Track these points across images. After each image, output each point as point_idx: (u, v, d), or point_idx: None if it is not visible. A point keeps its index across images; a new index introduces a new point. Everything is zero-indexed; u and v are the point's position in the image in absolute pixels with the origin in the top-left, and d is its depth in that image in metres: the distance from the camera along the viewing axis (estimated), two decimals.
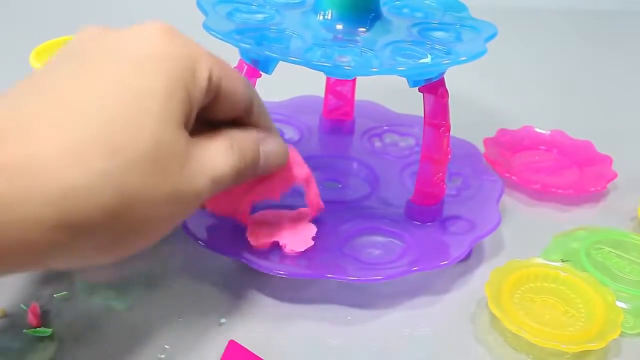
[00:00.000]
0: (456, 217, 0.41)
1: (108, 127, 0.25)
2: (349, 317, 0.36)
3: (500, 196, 0.43)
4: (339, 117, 0.50)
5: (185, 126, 0.28)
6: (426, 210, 0.41)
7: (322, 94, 0.50)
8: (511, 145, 0.52)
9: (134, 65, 0.27)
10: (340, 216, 0.42)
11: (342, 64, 0.34)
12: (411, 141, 0.50)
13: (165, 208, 0.27)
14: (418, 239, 0.40)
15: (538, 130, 0.53)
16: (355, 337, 0.35)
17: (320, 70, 0.34)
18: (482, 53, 0.36)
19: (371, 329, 0.36)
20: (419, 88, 0.38)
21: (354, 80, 0.50)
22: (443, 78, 0.38)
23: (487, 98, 0.62)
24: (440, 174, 0.40)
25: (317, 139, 0.50)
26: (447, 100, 0.38)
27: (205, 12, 0.38)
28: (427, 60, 0.35)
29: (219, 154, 0.30)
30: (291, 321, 0.36)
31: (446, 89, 0.38)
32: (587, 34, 0.80)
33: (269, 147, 0.34)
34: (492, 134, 0.52)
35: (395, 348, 0.35)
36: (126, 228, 0.26)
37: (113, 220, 0.25)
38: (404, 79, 0.37)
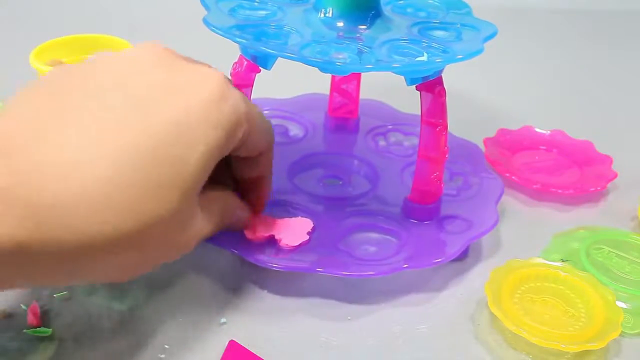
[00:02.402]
0: (454, 217, 0.41)
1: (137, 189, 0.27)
2: (349, 317, 0.36)
3: (500, 196, 0.43)
4: (343, 115, 0.50)
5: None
6: (423, 209, 0.41)
7: (328, 92, 0.51)
8: (511, 145, 0.52)
9: (176, 131, 0.28)
10: (338, 212, 0.42)
11: (336, 60, 0.34)
12: (415, 141, 0.50)
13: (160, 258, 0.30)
14: (413, 237, 0.40)
15: (538, 130, 0.53)
16: (355, 335, 0.35)
17: (314, 66, 0.34)
18: (479, 52, 0.36)
19: (371, 328, 0.36)
20: (416, 86, 0.38)
21: (359, 78, 0.50)
22: (441, 77, 0.38)
23: (487, 97, 0.62)
24: (437, 173, 0.40)
25: (322, 136, 0.50)
26: (445, 99, 0.38)
27: (207, 8, 0.38)
28: (424, 58, 0.35)
29: (208, 220, 0.33)
30: (291, 319, 0.36)
31: (443, 88, 0.38)
32: (587, 34, 0.80)
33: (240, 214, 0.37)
34: (492, 134, 0.52)
35: (395, 347, 0.35)
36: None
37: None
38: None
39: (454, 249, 0.38)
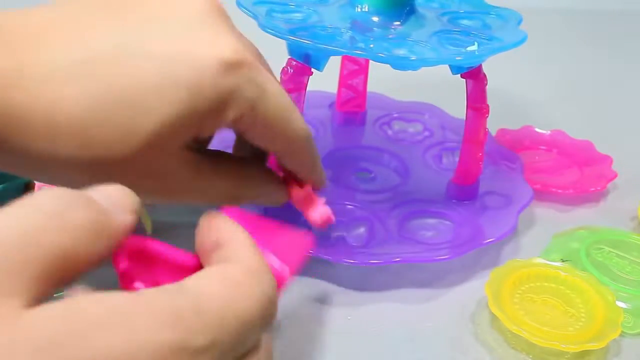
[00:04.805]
0: (490, 192, 0.43)
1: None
2: (349, 317, 0.36)
3: (522, 172, 0.45)
4: (351, 109, 0.52)
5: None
6: (467, 189, 0.43)
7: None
8: (511, 145, 0.52)
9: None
10: (384, 204, 0.42)
11: (407, 56, 0.35)
12: (419, 127, 0.51)
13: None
14: (465, 217, 0.41)
15: (538, 130, 0.53)
16: (355, 334, 0.35)
17: (386, 63, 0.35)
18: (524, 39, 0.38)
19: (372, 327, 0.36)
20: (461, 75, 0.39)
21: (366, 73, 0.51)
22: (481, 65, 0.39)
23: (487, 97, 0.62)
24: (480, 154, 0.42)
25: (331, 132, 0.51)
26: (486, 85, 0.40)
27: (254, 16, 0.37)
28: (474, 48, 0.36)
29: (209, 184, 0.31)
30: (291, 318, 0.36)
31: (485, 75, 0.40)
32: (587, 34, 0.80)
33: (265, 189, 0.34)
34: (492, 134, 0.52)
35: (396, 347, 0.35)
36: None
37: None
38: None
39: (509, 224, 0.40)
